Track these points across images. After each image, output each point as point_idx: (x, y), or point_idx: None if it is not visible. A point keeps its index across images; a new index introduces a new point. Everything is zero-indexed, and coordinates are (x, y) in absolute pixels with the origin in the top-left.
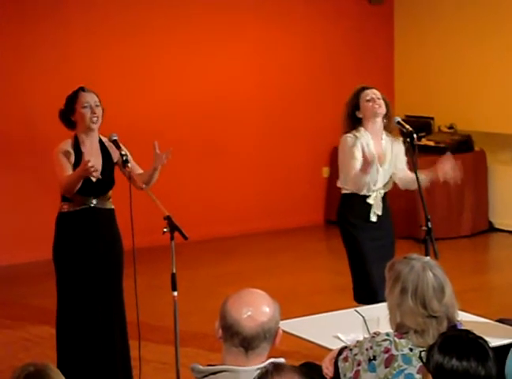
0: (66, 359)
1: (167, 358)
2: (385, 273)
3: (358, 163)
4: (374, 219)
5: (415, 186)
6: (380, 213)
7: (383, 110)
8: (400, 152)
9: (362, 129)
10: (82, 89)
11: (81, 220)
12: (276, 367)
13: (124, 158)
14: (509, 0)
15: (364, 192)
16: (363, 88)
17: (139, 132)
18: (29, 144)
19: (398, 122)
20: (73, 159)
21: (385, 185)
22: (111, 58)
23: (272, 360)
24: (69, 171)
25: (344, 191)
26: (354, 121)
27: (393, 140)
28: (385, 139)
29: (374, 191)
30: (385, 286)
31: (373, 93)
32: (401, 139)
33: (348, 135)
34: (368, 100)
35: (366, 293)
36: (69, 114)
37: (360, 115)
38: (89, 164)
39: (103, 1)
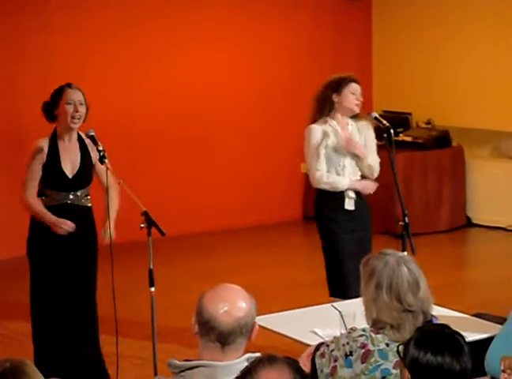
0: (42, 353)
1: (145, 353)
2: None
3: (322, 163)
4: (350, 207)
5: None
6: (354, 197)
7: (358, 109)
8: (369, 138)
9: (328, 118)
10: (69, 86)
11: (56, 216)
12: (269, 357)
13: (101, 154)
14: None
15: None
16: (353, 80)
17: (121, 128)
18: (13, 142)
19: (375, 118)
20: (44, 158)
21: (354, 171)
22: (97, 54)
23: (248, 355)
24: (37, 179)
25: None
26: (328, 105)
27: (363, 126)
28: (352, 124)
29: (343, 176)
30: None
31: (359, 91)
32: (369, 124)
33: (314, 126)
34: (353, 93)
35: (340, 287)
36: (53, 107)
37: (336, 99)
38: (62, 228)
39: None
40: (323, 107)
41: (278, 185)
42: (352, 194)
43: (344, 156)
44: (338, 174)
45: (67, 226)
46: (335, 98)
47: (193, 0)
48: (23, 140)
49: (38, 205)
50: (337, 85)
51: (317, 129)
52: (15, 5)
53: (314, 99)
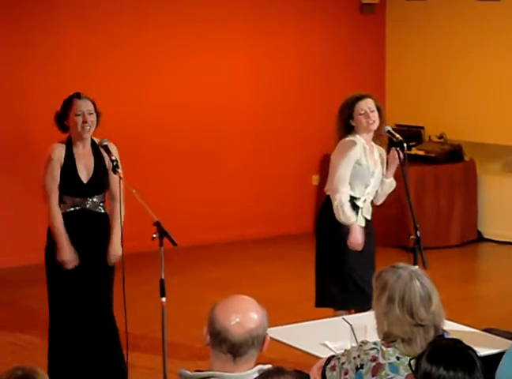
0: (57, 364)
1: (155, 364)
2: (357, 278)
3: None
4: (362, 223)
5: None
6: (369, 218)
7: (376, 125)
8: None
9: (357, 135)
10: (78, 96)
11: (73, 222)
12: (278, 369)
13: (114, 163)
14: (498, 11)
15: (356, 194)
16: (357, 99)
17: (132, 137)
18: (22, 148)
19: (388, 131)
20: (62, 162)
21: (374, 191)
22: (105, 64)
23: (259, 367)
24: (56, 183)
25: (330, 192)
26: (348, 128)
27: (380, 150)
28: (375, 146)
29: (364, 195)
30: (357, 292)
31: (367, 106)
32: (384, 150)
33: (349, 139)
34: (362, 114)
35: (344, 296)
36: (63, 118)
37: (353, 124)
38: (64, 261)
39: (96, 8)
40: (345, 132)
41: (289, 197)
42: (367, 216)
43: (372, 175)
44: (361, 193)
45: (69, 262)
46: (352, 122)
47: (205, 10)
48: (31, 143)
49: (58, 221)
50: (348, 110)
51: (358, 146)
52: (24, 10)
53: (334, 127)
